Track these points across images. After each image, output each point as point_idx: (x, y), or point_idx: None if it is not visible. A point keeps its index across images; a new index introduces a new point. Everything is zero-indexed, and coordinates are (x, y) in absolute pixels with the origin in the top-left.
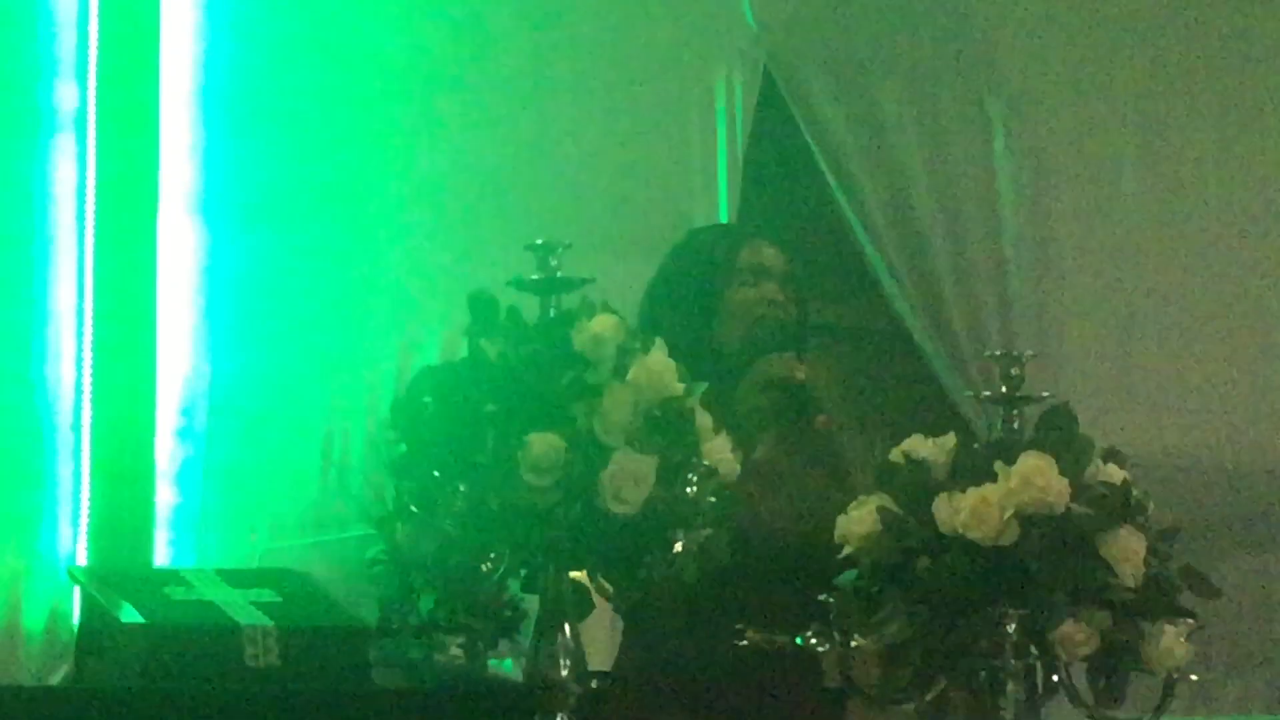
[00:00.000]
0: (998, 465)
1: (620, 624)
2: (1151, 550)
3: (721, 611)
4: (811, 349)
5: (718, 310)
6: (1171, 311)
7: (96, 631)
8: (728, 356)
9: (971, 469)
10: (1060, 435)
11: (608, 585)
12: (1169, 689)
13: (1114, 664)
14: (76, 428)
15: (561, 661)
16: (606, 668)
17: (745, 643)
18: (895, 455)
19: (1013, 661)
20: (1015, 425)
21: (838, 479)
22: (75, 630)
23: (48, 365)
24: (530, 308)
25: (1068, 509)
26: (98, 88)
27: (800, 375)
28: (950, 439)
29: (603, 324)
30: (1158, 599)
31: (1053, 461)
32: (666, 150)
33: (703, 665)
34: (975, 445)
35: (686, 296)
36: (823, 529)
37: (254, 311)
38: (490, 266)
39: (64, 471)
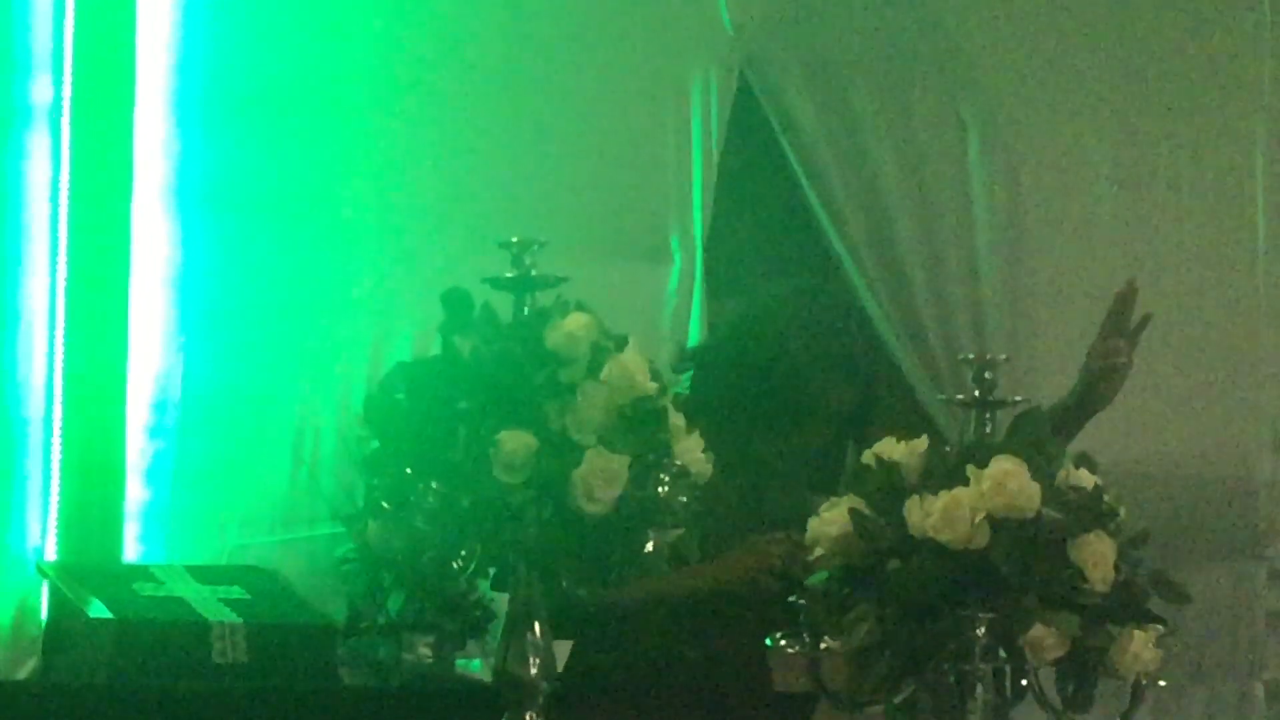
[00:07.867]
0: (969, 469)
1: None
2: (1122, 555)
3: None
4: None
5: None
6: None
7: (65, 626)
8: None
9: (943, 472)
10: (1032, 439)
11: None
12: (1137, 694)
13: (1083, 668)
14: (47, 421)
15: (530, 661)
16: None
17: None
18: (867, 458)
19: (981, 665)
20: (987, 429)
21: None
22: (43, 625)
23: (19, 359)
24: (504, 306)
25: (1039, 513)
26: (73, 82)
27: None
28: (922, 442)
29: (576, 323)
30: (1127, 604)
31: (1024, 466)
32: (642, 151)
33: (656, 669)
34: (947, 448)
35: None
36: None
37: (227, 308)
38: (464, 264)
39: (34, 465)
